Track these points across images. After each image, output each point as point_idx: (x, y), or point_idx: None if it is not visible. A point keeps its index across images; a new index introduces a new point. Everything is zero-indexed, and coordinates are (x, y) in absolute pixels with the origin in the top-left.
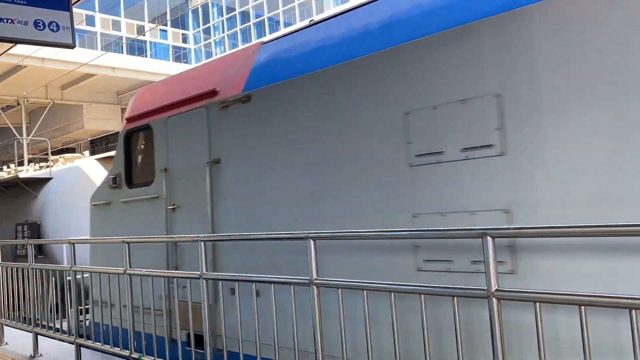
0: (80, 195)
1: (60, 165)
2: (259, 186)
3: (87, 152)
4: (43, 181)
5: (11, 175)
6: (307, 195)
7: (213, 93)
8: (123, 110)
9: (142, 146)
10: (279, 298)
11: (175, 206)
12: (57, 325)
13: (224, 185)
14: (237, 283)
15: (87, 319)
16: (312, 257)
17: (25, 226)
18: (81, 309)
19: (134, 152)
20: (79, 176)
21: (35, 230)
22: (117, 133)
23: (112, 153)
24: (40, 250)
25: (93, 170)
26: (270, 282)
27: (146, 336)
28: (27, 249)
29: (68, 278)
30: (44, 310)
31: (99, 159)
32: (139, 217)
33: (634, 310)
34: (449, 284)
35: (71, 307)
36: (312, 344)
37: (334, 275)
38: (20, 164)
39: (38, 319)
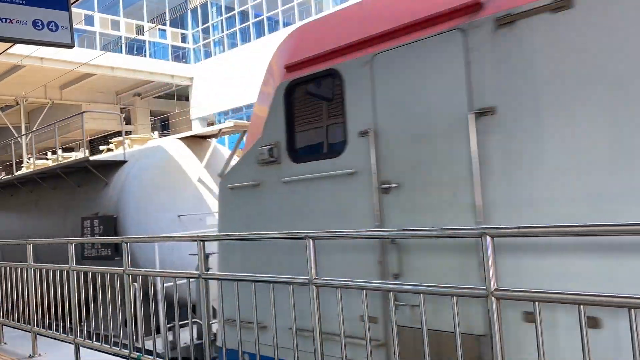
0: (167, 181)
1: (134, 147)
2: (590, 147)
3: (155, 134)
4: (115, 165)
5: (79, 158)
6: None
7: (475, 6)
8: (122, 110)
9: (319, 102)
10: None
11: (391, 185)
12: (138, 344)
13: (505, 148)
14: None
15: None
16: (312, 256)
17: (96, 220)
18: (172, 326)
19: (302, 111)
20: (163, 158)
21: (111, 225)
22: (117, 133)
23: (197, 131)
24: (117, 249)
25: (178, 150)
26: (270, 282)
27: None
28: (97, 248)
29: (156, 286)
30: (110, 322)
31: (182, 138)
32: (316, 202)
33: (632, 310)
34: None
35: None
36: None
37: None
38: (20, 163)
39: (108, 335)
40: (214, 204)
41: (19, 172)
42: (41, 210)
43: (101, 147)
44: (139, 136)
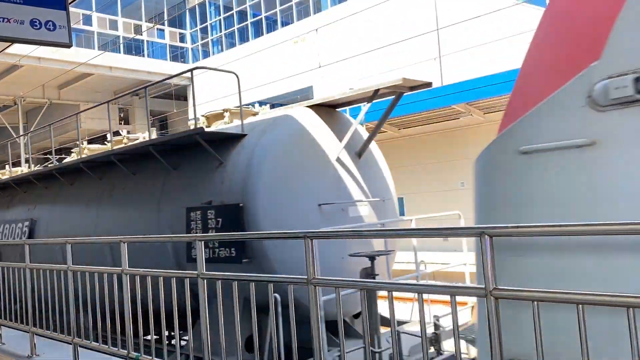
0: (303, 160)
1: (234, 122)
2: None
3: (256, 106)
4: (229, 141)
5: (186, 131)
6: None
7: None
8: (120, 109)
9: None
10: None
11: None
12: None
13: None
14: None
15: None
16: (311, 256)
17: (211, 211)
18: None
19: None
20: (296, 131)
21: (235, 216)
22: (116, 133)
23: (326, 98)
24: (244, 250)
25: (311, 122)
26: (269, 282)
27: None
28: (212, 248)
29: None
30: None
31: (310, 106)
32: None
33: (632, 309)
34: None
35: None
36: None
37: None
38: (16, 164)
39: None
40: (355, 192)
41: (88, 155)
42: (119, 201)
43: (190, 123)
44: (248, 108)
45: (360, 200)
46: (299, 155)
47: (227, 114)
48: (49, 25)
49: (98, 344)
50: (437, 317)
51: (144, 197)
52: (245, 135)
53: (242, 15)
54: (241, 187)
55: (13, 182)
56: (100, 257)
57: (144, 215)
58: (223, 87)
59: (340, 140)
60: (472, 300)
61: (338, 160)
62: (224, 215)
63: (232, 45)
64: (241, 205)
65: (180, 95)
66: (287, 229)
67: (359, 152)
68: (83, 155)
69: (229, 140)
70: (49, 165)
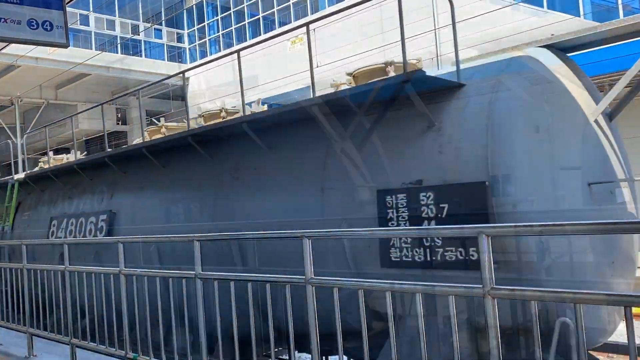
0: (561, 119)
1: (469, 62)
2: None
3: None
4: (437, 95)
5: (395, 75)
6: None
7: None
8: (118, 109)
9: None
10: None
11: None
12: None
13: None
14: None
15: None
16: (308, 255)
17: (427, 194)
18: None
19: None
20: (544, 79)
21: (481, 199)
22: (114, 133)
23: (573, 34)
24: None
25: (555, 68)
26: (267, 282)
27: None
28: (431, 247)
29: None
30: None
31: (546, 46)
32: None
33: (630, 308)
34: None
35: None
36: None
37: None
38: (14, 164)
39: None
40: (617, 168)
41: (197, 127)
42: (251, 184)
43: (338, 85)
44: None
45: (624, 180)
46: (556, 114)
47: (391, 68)
48: (46, 25)
49: (96, 344)
50: None
51: (294, 177)
52: (463, 85)
53: (240, 15)
54: (481, 157)
55: (77, 167)
56: (225, 258)
57: (297, 202)
58: (219, 88)
59: (593, 97)
60: None
61: (597, 123)
62: (456, 199)
63: (229, 45)
64: (487, 183)
65: (177, 95)
66: (553, 219)
67: (611, 112)
68: (158, 135)
69: (436, 94)
70: (128, 145)
